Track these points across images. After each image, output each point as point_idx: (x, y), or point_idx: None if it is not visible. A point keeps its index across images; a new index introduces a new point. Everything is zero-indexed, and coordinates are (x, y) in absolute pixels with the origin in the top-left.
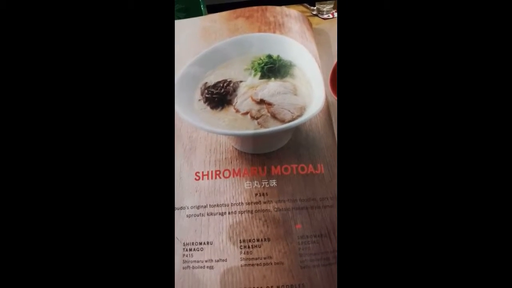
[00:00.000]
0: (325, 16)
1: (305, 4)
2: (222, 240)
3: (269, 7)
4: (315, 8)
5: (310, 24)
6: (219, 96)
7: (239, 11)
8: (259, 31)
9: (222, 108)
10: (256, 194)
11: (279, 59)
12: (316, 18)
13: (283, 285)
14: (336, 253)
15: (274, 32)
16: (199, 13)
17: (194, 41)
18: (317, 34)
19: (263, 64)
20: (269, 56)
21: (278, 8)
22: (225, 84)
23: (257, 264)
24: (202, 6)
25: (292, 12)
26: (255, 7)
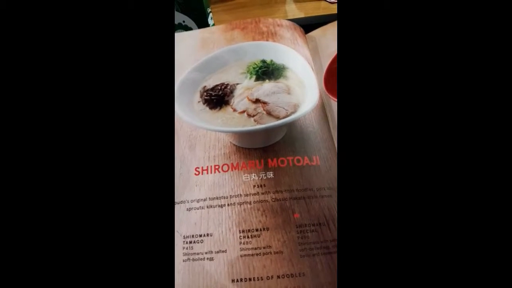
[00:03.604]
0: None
1: None
2: (222, 232)
3: (262, 18)
4: None
5: (302, 32)
6: (217, 98)
7: (234, 23)
8: (253, 40)
9: (220, 108)
10: (254, 186)
11: (272, 63)
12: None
13: (283, 275)
14: (336, 242)
15: (267, 40)
16: (206, 25)
17: (194, 50)
18: (309, 41)
19: (257, 68)
20: (263, 61)
21: (270, 19)
22: (223, 87)
23: (257, 254)
24: (209, 18)
25: (284, 22)
26: (249, 20)
